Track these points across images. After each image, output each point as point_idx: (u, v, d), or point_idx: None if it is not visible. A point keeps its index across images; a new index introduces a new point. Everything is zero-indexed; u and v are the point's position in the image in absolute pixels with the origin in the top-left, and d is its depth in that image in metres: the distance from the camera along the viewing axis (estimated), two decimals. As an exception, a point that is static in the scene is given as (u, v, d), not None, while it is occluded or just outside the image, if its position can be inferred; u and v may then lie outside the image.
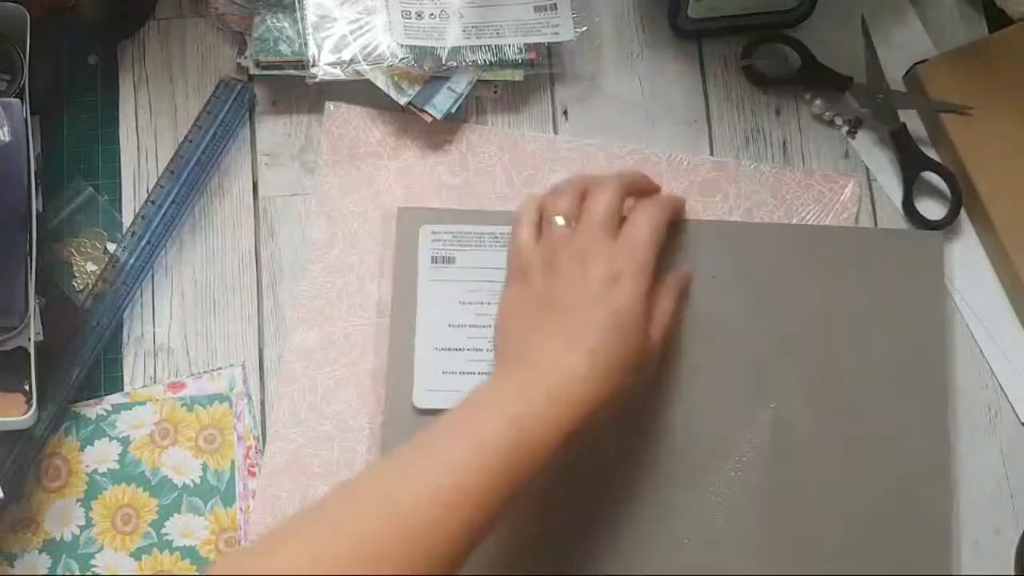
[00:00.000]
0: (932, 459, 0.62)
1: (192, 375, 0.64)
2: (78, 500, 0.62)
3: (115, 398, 0.63)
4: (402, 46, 0.65)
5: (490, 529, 0.49)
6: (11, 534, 0.61)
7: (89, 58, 0.67)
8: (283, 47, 0.65)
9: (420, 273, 0.63)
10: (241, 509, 0.62)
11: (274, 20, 0.66)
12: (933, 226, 0.67)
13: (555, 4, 0.67)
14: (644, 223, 0.58)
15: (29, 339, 0.58)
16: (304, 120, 0.68)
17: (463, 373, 0.62)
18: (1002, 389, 0.66)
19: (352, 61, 0.65)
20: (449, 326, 0.63)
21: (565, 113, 0.69)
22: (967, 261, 0.68)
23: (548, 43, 0.67)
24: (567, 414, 0.51)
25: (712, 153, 0.69)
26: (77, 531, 0.61)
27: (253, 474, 0.62)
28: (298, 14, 0.65)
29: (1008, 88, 0.68)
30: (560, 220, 0.58)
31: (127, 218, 0.65)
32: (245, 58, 0.67)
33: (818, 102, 0.69)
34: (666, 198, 0.63)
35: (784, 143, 0.69)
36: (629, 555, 0.60)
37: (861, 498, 0.61)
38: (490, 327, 0.61)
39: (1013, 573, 0.62)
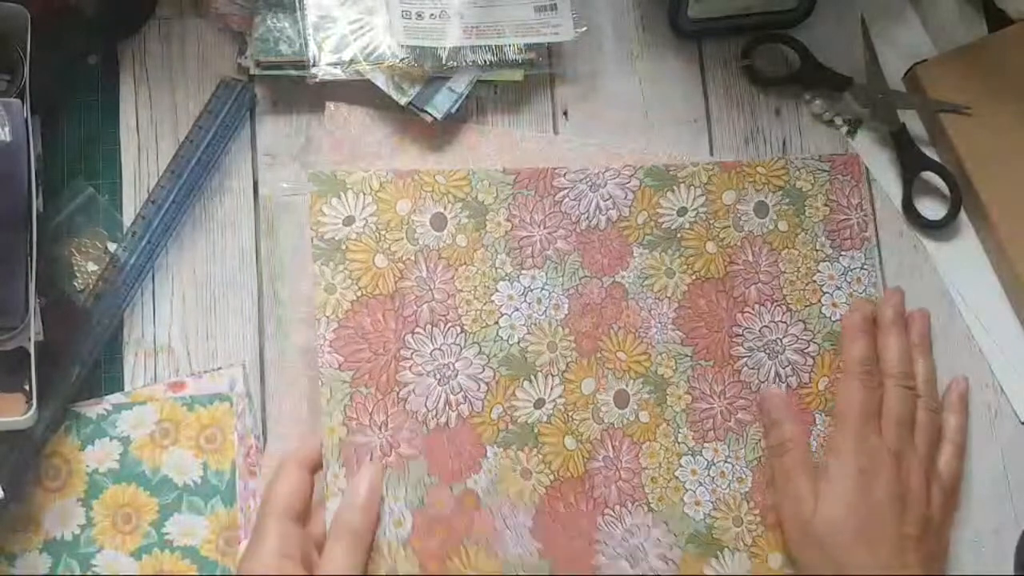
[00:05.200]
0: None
1: (193, 375, 0.64)
2: (78, 500, 0.62)
3: (115, 398, 0.63)
4: (402, 46, 0.65)
5: None
6: (11, 534, 0.61)
7: (89, 58, 0.67)
8: (283, 47, 0.65)
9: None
10: (241, 509, 0.62)
11: (274, 20, 0.66)
12: (933, 226, 0.67)
13: (555, 4, 0.67)
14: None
15: (29, 339, 0.58)
16: (304, 120, 0.68)
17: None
18: (1002, 389, 0.66)
19: (352, 61, 0.65)
20: None
21: (565, 113, 0.69)
22: (967, 261, 0.68)
23: (548, 43, 0.67)
24: None
25: (712, 153, 0.69)
26: (77, 531, 0.61)
27: (253, 474, 0.62)
28: (298, 14, 0.65)
29: (1008, 88, 0.68)
30: None
31: (127, 218, 0.65)
32: (245, 58, 0.67)
33: (818, 102, 0.69)
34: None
35: (784, 143, 0.69)
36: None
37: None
38: None
39: (1013, 573, 0.62)
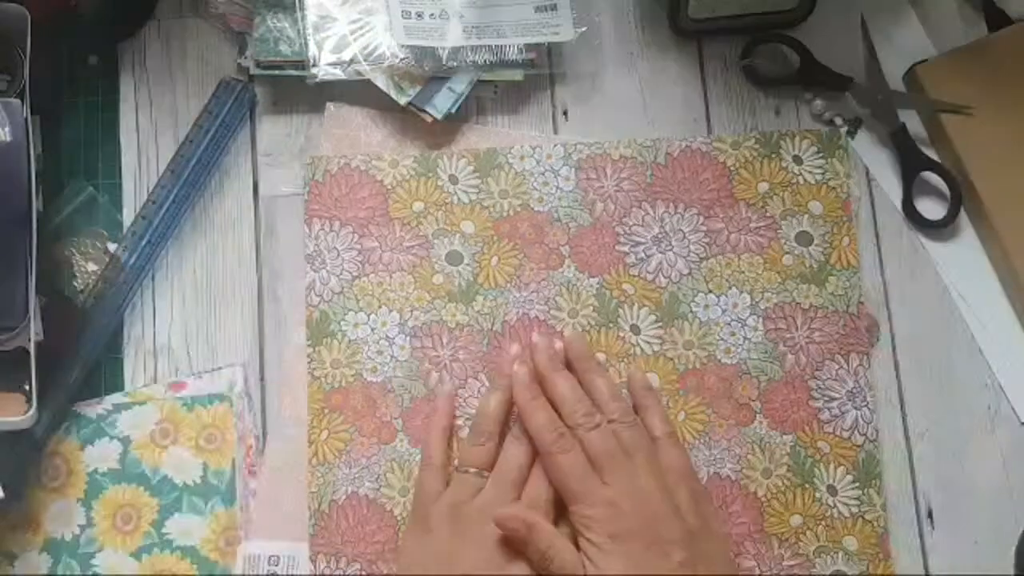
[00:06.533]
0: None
1: (192, 375, 0.64)
2: (79, 500, 0.62)
3: (115, 398, 0.63)
4: (402, 46, 0.65)
5: None
6: (11, 534, 0.61)
7: (90, 58, 0.67)
8: (283, 47, 0.65)
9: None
10: (241, 509, 0.62)
11: (274, 20, 0.66)
12: (933, 226, 0.67)
13: (555, 4, 0.67)
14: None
15: (29, 339, 0.58)
16: (304, 120, 0.68)
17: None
18: (1002, 389, 0.66)
19: (352, 61, 0.65)
20: None
21: (565, 113, 0.69)
22: (967, 261, 0.68)
23: (548, 43, 0.67)
24: None
25: (712, 153, 0.69)
26: (78, 531, 0.61)
27: (253, 474, 0.62)
28: (298, 14, 0.65)
29: (1008, 88, 0.68)
30: (471, 471, 0.58)
31: (127, 218, 0.66)
32: (245, 58, 0.67)
33: (818, 102, 0.69)
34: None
35: (784, 143, 0.69)
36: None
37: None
38: None
39: (1013, 573, 0.62)
